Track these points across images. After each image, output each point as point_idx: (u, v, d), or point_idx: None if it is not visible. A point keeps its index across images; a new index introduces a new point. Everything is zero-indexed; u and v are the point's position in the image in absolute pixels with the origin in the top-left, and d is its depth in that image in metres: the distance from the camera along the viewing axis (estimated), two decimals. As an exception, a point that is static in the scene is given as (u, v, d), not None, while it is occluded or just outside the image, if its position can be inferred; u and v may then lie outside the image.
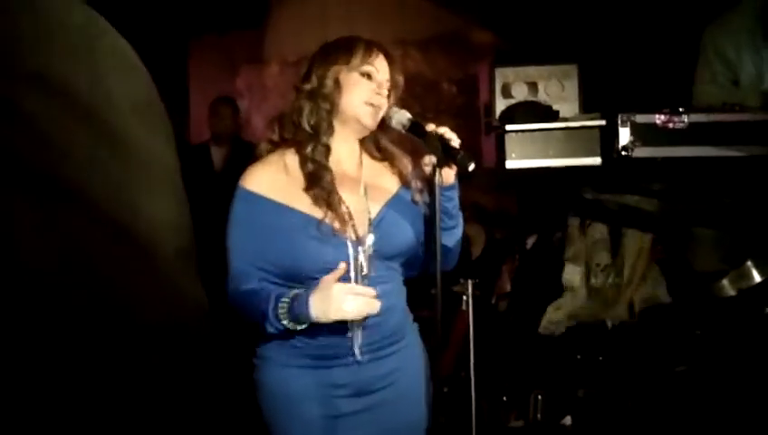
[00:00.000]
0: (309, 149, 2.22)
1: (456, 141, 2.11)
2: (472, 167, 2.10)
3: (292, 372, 2.21)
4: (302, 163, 2.22)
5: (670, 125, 3.27)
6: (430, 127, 2.15)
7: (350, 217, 2.20)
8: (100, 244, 0.64)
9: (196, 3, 7.36)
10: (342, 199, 2.21)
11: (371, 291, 2.10)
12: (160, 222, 0.71)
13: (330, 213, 2.16)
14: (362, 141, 2.33)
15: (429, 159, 2.13)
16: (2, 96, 0.61)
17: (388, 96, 2.26)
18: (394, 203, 2.27)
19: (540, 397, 3.71)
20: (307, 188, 2.19)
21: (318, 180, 2.19)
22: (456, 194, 2.20)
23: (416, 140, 2.22)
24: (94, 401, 0.64)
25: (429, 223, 2.20)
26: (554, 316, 3.99)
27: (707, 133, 3.27)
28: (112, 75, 0.70)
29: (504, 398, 3.81)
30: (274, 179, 2.22)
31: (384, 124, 2.25)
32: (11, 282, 0.59)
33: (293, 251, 2.15)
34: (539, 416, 3.69)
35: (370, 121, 2.24)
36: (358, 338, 2.17)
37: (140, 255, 0.68)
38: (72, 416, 0.62)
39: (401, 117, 2.21)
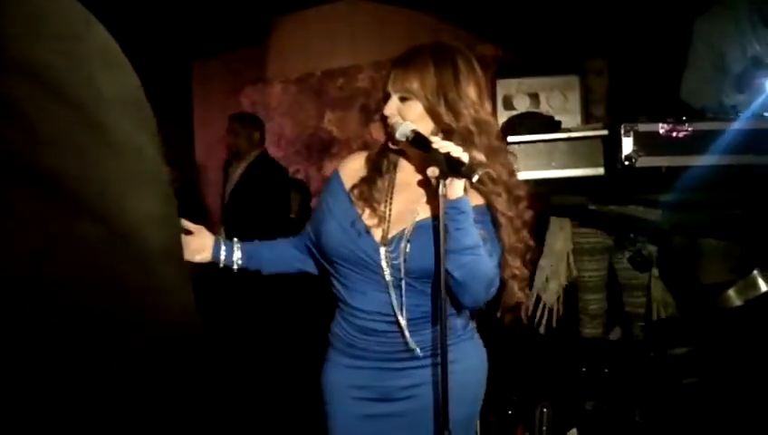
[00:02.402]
0: (374, 153, 2.39)
1: (460, 154, 2.08)
2: (476, 178, 2.07)
3: (332, 368, 2.36)
4: (365, 163, 2.37)
5: (674, 134, 3.25)
6: (435, 142, 2.12)
7: (386, 222, 2.26)
8: (86, 236, 0.62)
9: (199, 24, 7.40)
10: (388, 204, 2.29)
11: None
12: (147, 217, 0.70)
13: (367, 211, 2.28)
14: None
15: (432, 171, 2.10)
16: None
17: (406, 100, 2.23)
18: (427, 225, 2.24)
19: (546, 410, 3.69)
20: (356, 186, 2.32)
21: (368, 181, 2.32)
22: (463, 219, 2.10)
23: (420, 153, 2.19)
24: (75, 405, 0.62)
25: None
26: None
27: (712, 142, 3.24)
28: (101, 72, 0.69)
29: (510, 411, 3.77)
30: (357, 169, 2.38)
31: (392, 137, 2.23)
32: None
33: (327, 232, 2.30)
34: (545, 429, 3.66)
35: (380, 136, 2.29)
36: (382, 344, 2.25)
37: (128, 248, 0.66)
38: (54, 419, 0.61)
39: (405, 129, 2.18)
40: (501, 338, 2.90)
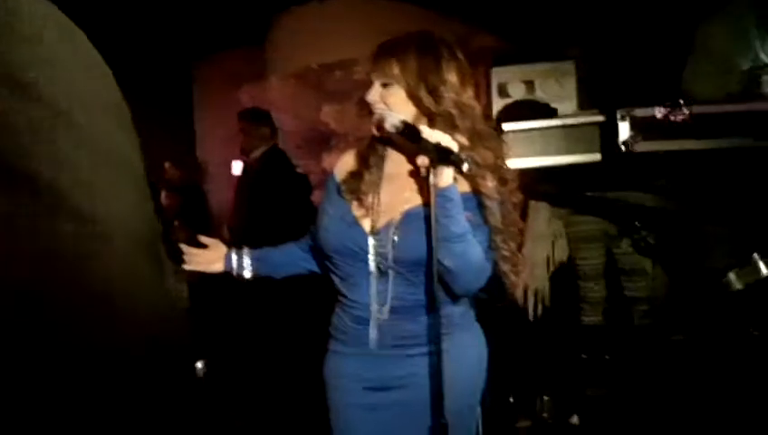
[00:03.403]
0: (364, 146, 2.38)
1: (449, 143, 2.07)
2: (466, 167, 2.06)
3: (332, 358, 2.38)
4: (355, 158, 2.39)
5: (671, 118, 3.23)
6: (425, 132, 2.11)
7: (374, 212, 2.26)
8: (59, 234, 0.62)
9: (199, 24, 7.40)
10: (376, 195, 2.29)
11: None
12: (122, 214, 0.70)
13: (355, 203, 2.28)
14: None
15: (422, 161, 2.09)
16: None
17: (388, 86, 2.23)
18: (416, 214, 2.23)
19: (547, 398, 3.68)
20: (345, 181, 2.34)
21: (356, 174, 2.34)
22: (451, 207, 2.09)
23: (409, 143, 2.18)
24: (37, 402, 0.62)
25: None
26: None
27: (709, 125, 3.22)
28: (80, 77, 0.69)
29: (511, 399, 3.77)
30: (349, 164, 2.40)
31: (382, 127, 2.22)
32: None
33: (321, 227, 2.33)
34: (546, 416, 3.65)
35: (368, 128, 2.29)
36: (373, 332, 2.24)
37: (101, 245, 0.66)
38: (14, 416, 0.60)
39: (394, 120, 2.17)
40: (501, 326, 2.91)
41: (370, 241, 2.23)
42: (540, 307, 4.04)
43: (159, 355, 0.72)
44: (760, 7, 3.57)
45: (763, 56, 3.55)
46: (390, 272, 2.21)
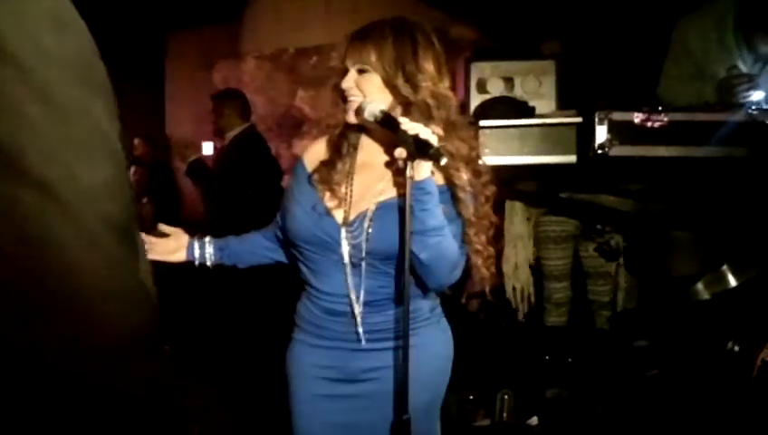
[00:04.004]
0: (335, 135, 2.34)
1: (428, 136, 2.04)
2: (444, 161, 2.04)
3: (296, 347, 2.35)
4: (327, 146, 2.34)
5: (648, 124, 3.22)
6: (404, 123, 2.08)
7: (347, 203, 2.24)
8: (23, 203, 0.58)
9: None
10: (349, 185, 2.26)
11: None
12: (96, 185, 0.66)
13: (327, 193, 2.25)
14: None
15: (400, 152, 2.06)
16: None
17: (363, 73, 2.20)
18: (390, 205, 2.20)
19: (507, 396, 3.68)
20: (316, 170, 2.30)
21: (327, 164, 2.30)
22: (428, 199, 2.07)
23: (388, 133, 2.15)
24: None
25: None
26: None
27: (686, 133, 3.22)
28: (50, 34, 0.65)
29: (471, 397, 3.76)
30: (319, 153, 2.36)
31: (361, 116, 2.19)
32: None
33: (290, 216, 2.29)
34: (505, 415, 3.65)
35: (342, 116, 2.26)
36: (345, 325, 2.22)
37: (72, 217, 0.62)
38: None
39: (374, 108, 2.15)
40: (465, 323, 2.90)
41: (343, 232, 2.21)
42: (525, 306, 4.05)
43: (131, 345, 0.68)
44: (740, 9, 3.56)
45: (740, 64, 3.55)
46: (363, 264, 2.19)
